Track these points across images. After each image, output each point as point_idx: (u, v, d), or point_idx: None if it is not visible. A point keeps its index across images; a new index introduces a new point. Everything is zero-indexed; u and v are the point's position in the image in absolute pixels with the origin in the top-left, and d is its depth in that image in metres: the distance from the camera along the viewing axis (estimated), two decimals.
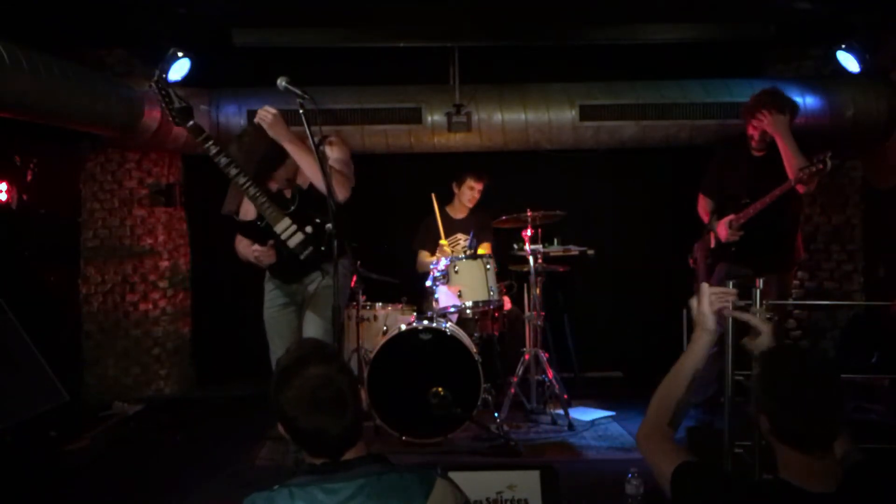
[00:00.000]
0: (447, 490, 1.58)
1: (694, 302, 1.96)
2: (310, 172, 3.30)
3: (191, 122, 3.36)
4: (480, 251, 4.83)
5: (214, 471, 3.86)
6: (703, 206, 4.51)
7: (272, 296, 3.60)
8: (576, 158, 5.69)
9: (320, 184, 3.18)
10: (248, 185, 3.31)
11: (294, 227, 3.37)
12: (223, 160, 3.31)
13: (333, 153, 3.48)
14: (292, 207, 3.39)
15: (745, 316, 2.03)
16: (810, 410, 1.55)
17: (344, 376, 1.60)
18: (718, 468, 1.70)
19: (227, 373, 5.74)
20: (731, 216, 4.15)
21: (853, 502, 1.53)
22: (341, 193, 3.35)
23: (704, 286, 1.96)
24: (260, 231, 3.39)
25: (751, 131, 4.18)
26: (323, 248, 3.38)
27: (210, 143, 3.34)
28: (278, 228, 3.37)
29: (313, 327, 3.45)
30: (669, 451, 1.75)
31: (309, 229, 3.38)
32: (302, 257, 3.38)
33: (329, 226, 3.33)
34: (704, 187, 4.51)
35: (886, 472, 1.61)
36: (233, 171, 3.31)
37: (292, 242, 3.38)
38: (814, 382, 1.57)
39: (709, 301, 1.93)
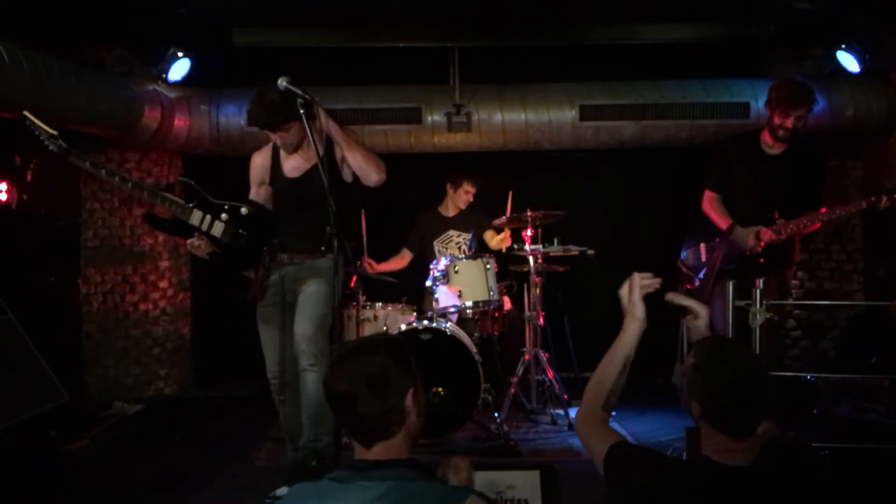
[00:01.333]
0: None
1: (624, 291, 2.05)
2: (354, 162, 3.42)
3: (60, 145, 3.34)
4: (497, 239, 4.95)
5: (214, 471, 3.86)
6: (711, 201, 4.25)
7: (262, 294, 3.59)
8: (576, 158, 5.69)
9: (361, 169, 3.37)
10: (137, 188, 3.36)
11: (209, 218, 3.37)
12: (104, 172, 3.42)
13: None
14: (195, 199, 3.39)
15: (685, 301, 2.13)
16: (739, 401, 1.67)
17: (392, 367, 1.65)
18: (649, 448, 1.80)
19: (227, 373, 5.73)
20: (765, 229, 3.95)
21: (766, 473, 1.63)
22: (378, 174, 3.44)
23: (635, 275, 2.05)
24: (180, 226, 3.39)
25: (778, 120, 3.98)
26: (256, 231, 3.39)
27: (87, 162, 3.41)
28: (193, 222, 3.36)
29: (302, 324, 3.42)
30: (603, 434, 1.85)
31: (225, 216, 3.38)
32: (237, 245, 3.37)
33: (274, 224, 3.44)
34: (711, 183, 4.28)
35: (800, 445, 1.72)
36: (118, 180, 3.39)
37: (216, 231, 3.37)
38: (744, 375, 1.69)
39: (639, 290, 2.02)
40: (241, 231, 3.38)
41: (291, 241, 3.52)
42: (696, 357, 1.74)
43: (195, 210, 3.36)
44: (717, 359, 1.71)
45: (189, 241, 3.36)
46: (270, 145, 3.62)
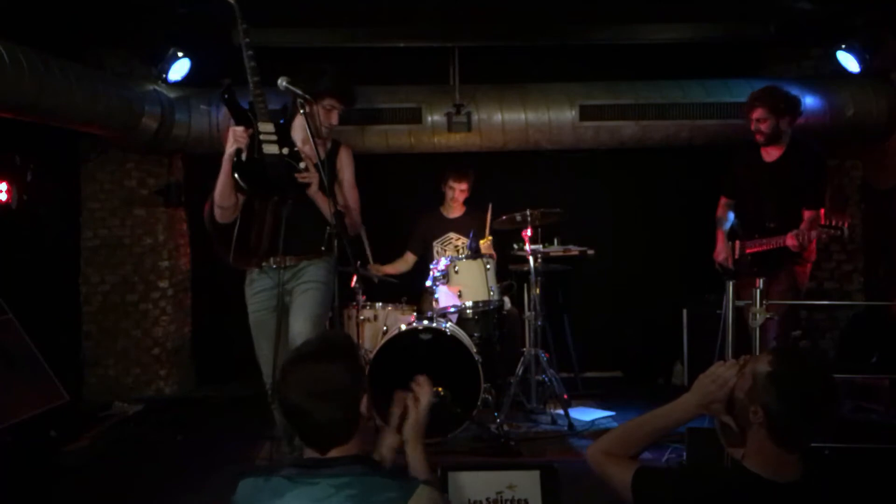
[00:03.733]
0: (429, 497, 1.59)
1: (713, 388, 1.79)
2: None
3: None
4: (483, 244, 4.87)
5: (214, 471, 3.86)
6: (719, 207, 4.43)
7: (255, 300, 3.54)
8: (576, 158, 5.69)
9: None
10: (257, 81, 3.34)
11: (274, 137, 3.34)
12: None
13: (345, 171, 3.57)
14: (280, 120, 3.39)
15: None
16: (813, 416, 1.62)
17: (348, 377, 1.65)
18: (675, 469, 1.76)
19: (227, 373, 5.73)
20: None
21: (817, 490, 1.62)
22: (353, 232, 3.55)
23: (722, 372, 1.79)
24: (246, 118, 3.35)
25: (752, 126, 4.10)
26: (287, 179, 3.33)
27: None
28: (262, 127, 3.33)
29: (299, 323, 3.40)
30: (625, 462, 1.80)
31: (286, 150, 3.34)
32: (264, 172, 3.30)
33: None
34: (722, 188, 4.43)
35: (843, 462, 1.69)
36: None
37: (267, 149, 3.32)
38: (823, 393, 1.63)
39: (727, 387, 1.78)
40: (280, 168, 3.31)
41: (287, 241, 3.47)
42: (774, 366, 1.65)
43: (271, 123, 3.34)
44: (799, 373, 1.64)
45: (236, 127, 3.29)
46: None
